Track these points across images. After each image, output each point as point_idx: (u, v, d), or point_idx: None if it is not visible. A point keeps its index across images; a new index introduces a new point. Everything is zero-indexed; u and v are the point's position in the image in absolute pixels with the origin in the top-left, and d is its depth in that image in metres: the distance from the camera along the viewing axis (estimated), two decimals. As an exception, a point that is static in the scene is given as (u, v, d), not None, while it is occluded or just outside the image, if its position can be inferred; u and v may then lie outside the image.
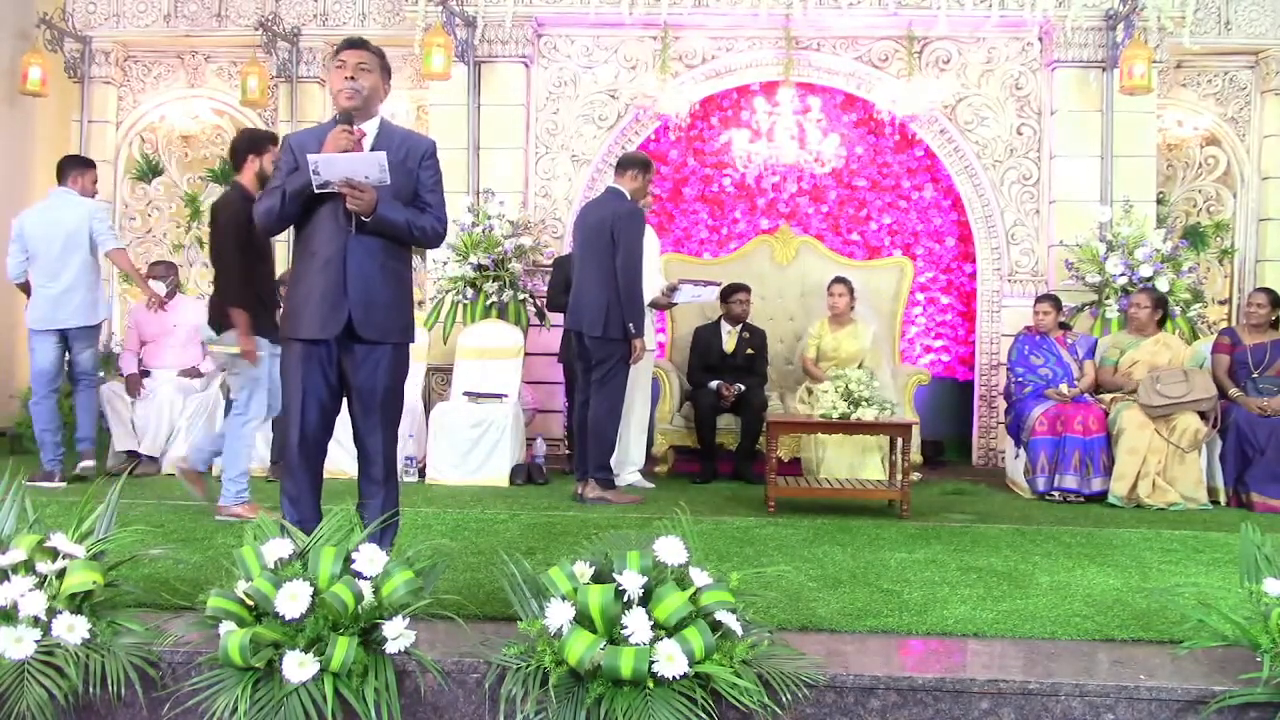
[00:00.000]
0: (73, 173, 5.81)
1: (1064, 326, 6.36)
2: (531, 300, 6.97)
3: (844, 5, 7.15)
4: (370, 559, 2.60)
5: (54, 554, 2.67)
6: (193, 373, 6.49)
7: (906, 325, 7.79)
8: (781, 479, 5.36)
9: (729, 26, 7.32)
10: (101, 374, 6.79)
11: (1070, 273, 6.89)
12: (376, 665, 2.53)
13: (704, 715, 2.39)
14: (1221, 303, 7.74)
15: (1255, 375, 5.91)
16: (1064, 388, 6.00)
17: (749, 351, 6.71)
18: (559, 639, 2.46)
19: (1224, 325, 7.38)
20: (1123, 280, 6.60)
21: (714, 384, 6.49)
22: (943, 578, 3.70)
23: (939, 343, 8.10)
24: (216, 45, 7.92)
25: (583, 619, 2.47)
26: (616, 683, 2.41)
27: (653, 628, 2.44)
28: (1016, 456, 6.16)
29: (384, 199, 3.14)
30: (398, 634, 2.53)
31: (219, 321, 4.68)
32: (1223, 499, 5.73)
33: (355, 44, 3.25)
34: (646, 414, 6.21)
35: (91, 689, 2.55)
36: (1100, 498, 5.69)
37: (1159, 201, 7.44)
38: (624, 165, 5.60)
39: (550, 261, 6.91)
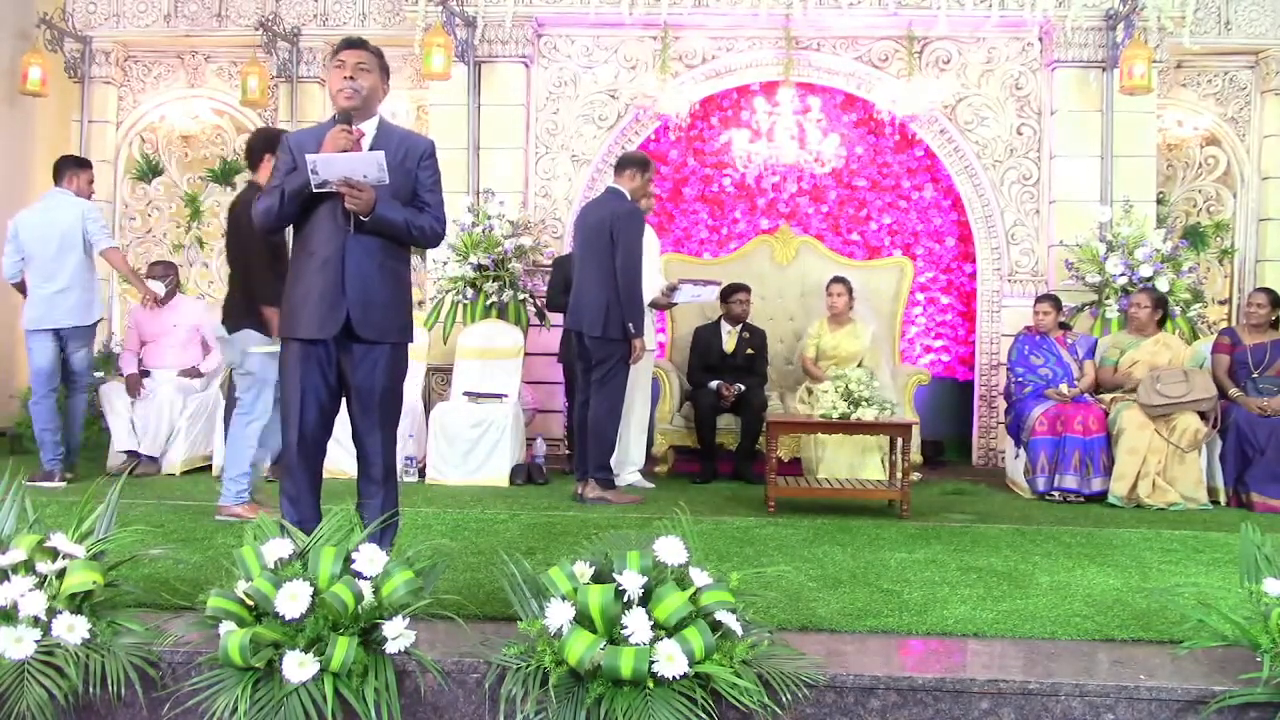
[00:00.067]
0: (68, 173, 5.82)
1: (1064, 326, 6.36)
2: (531, 300, 6.97)
3: (844, 5, 7.15)
4: (370, 559, 2.60)
5: (54, 554, 2.67)
6: (193, 373, 6.50)
7: (906, 325, 7.79)
8: (781, 479, 5.36)
9: (729, 26, 7.32)
10: (101, 374, 6.80)
11: (1070, 273, 6.89)
12: (376, 665, 2.53)
13: (704, 715, 2.39)
14: (1221, 303, 7.74)
15: (1255, 375, 5.91)
16: (1064, 388, 6.00)
17: (749, 351, 6.71)
18: (559, 639, 2.46)
19: (1224, 325, 7.38)
20: (1123, 280, 6.60)
21: (714, 384, 6.49)
22: (943, 578, 3.70)
23: (939, 343, 8.10)
24: (216, 45, 7.92)
25: (583, 619, 2.47)
26: (616, 683, 2.41)
27: (653, 628, 2.44)
28: (1016, 456, 6.16)
29: (383, 199, 3.14)
30: (398, 634, 2.53)
31: (233, 321, 4.67)
32: (1223, 499, 5.73)
33: (354, 44, 3.25)
34: (646, 414, 6.21)
35: (91, 689, 2.55)
36: (1100, 498, 5.69)
37: (1159, 201, 7.44)
38: (623, 165, 5.60)
39: (550, 261, 6.91)
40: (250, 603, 2.56)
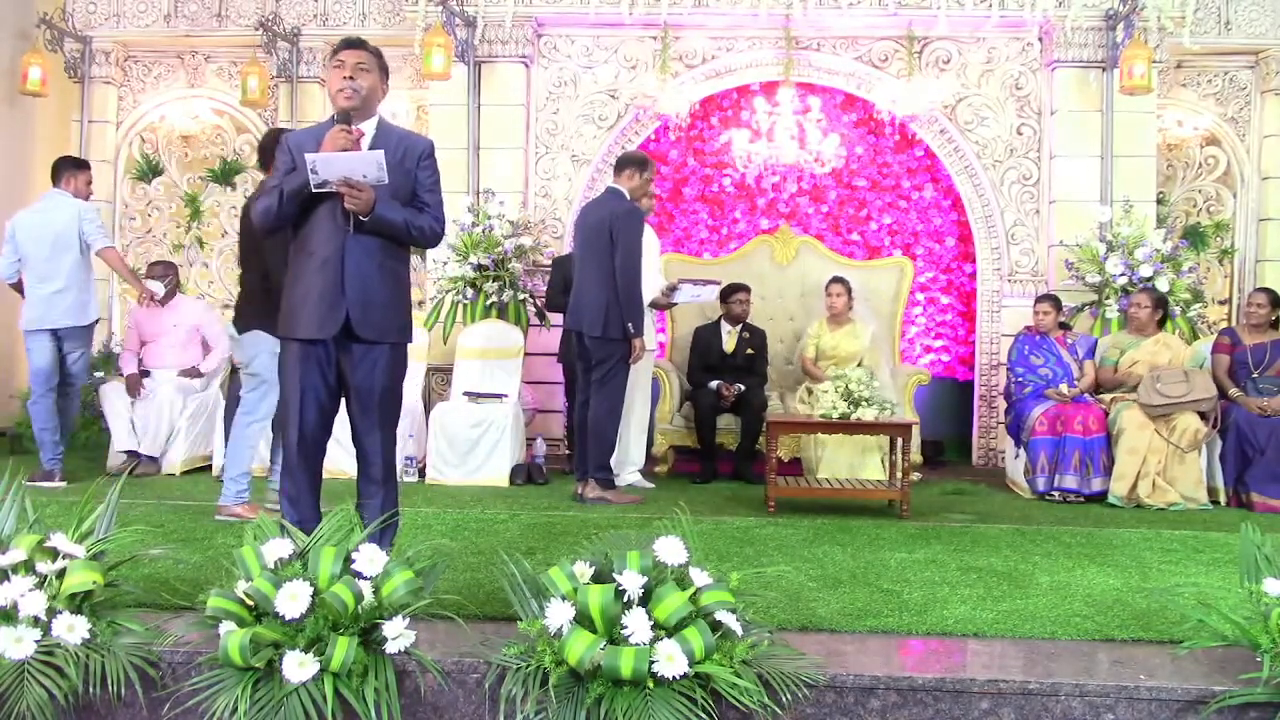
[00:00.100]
0: (66, 174, 5.83)
1: (1064, 326, 6.36)
2: (531, 300, 6.97)
3: (844, 5, 7.15)
4: (370, 559, 2.60)
5: (54, 554, 2.67)
6: (193, 373, 6.49)
7: (906, 325, 7.79)
8: (781, 479, 5.36)
9: (729, 26, 7.32)
10: (101, 374, 6.81)
11: (1070, 273, 6.89)
12: (376, 665, 2.53)
13: (704, 715, 2.39)
14: (1221, 303, 7.74)
15: (1255, 375, 5.91)
16: (1064, 388, 6.00)
17: (749, 351, 6.71)
18: (559, 639, 2.46)
19: (1224, 325, 7.38)
20: (1123, 280, 6.60)
21: (714, 384, 6.49)
22: (943, 578, 3.70)
23: (939, 343, 8.10)
24: (216, 45, 7.92)
25: (583, 619, 2.47)
26: (616, 683, 2.41)
27: (653, 628, 2.44)
28: (1016, 456, 6.16)
29: (382, 199, 3.14)
30: (398, 634, 2.53)
31: (244, 321, 4.67)
32: (1223, 499, 5.73)
33: (353, 44, 3.25)
34: (646, 414, 6.21)
35: (91, 689, 2.55)
36: (1100, 498, 5.69)
37: (1159, 201, 7.44)
38: (622, 164, 5.60)
39: (550, 261, 6.91)
40: (250, 603, 2.56)
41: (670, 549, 2.57)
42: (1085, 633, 3.01)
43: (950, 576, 3.72)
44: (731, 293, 6.72)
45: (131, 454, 6.21)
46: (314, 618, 2.50)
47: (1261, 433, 5.65)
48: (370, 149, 3.16)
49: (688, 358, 6.87)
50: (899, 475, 5.20)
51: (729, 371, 6.61)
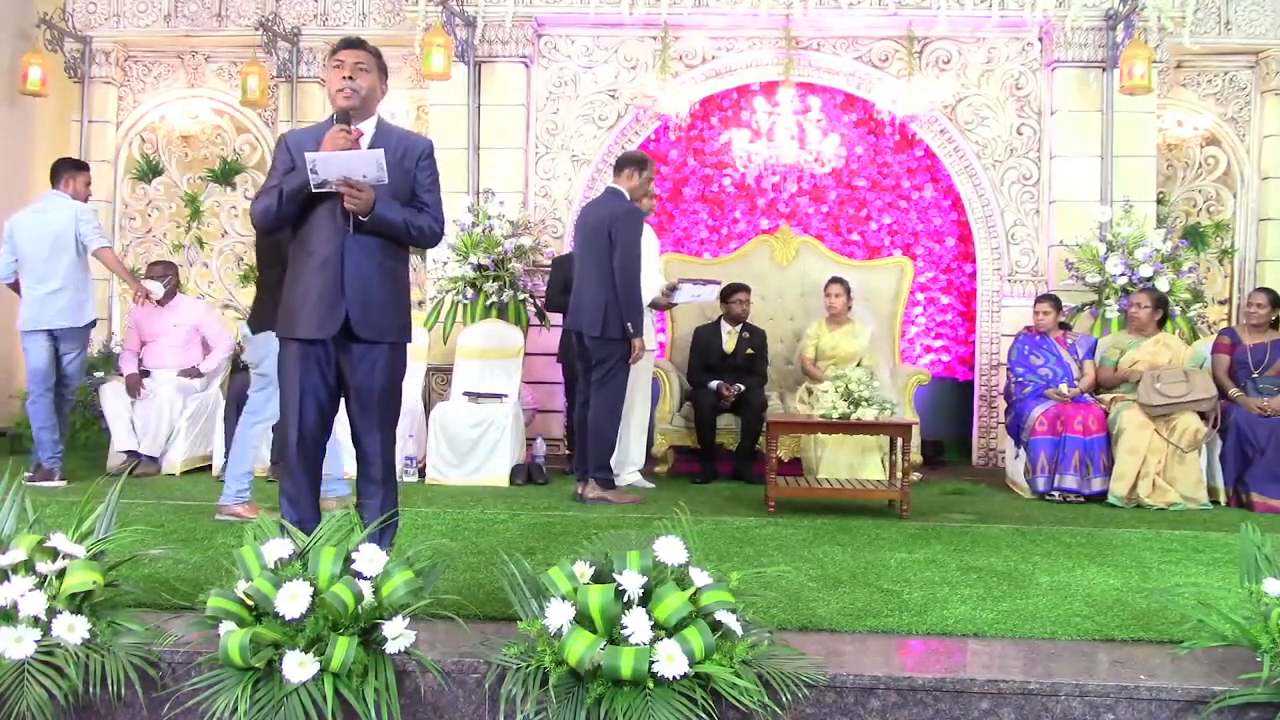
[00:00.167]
0: (65, 175, 5.84)
1: (1064, 326, 6.36)
2: (531, 300, 6.97)
3: (844, 5, 7.15)
4: (370, 559, 2.60)
5: (54, 554, 2.67)
6: (193, 373, 6.49)
7: (906, 325, 7.79)
8: (781, 479, 5.36)
9: (729, 26, 7.32)
10: (101, 374, 6.81)
11: (1070, 273, 6.89)
12: (376, 665, 2.53)
13: (704, 715, 2.39)
14: (1221, 303, 7.74)
15: (1255, 375, 5.91)
16: (1064, 388, 6.00)
17: (749, 351, 6.71)
18: (559, 639, 2.46)
19: (1224, 325, 7.38)
20: (1123, 280, 6.60)
21: (714, 384, 6.49)
22: (943, 578, 3.70)
23: (939, 343, 8.10)
24: (216, 45, 7.92)
25: (583, 619, 2.47)
26: (616, 683, 2.41)
27: (653, 628, 2.44)
28: (1016, 456, 6.16)
29: (382, 198, 3.14)
30: (398, 634, 2.53)
31: (257, 321, 4.67)
32: (1223, 499, 5.73)
33: (353, 44, 3.25)
34: (646, 414, 6.21)
35: (91, 689, 2.55)
36: (1100, 498, 5.69)
37: (1159, 201, 7.44)
38: (621, 164, 5.60)
39: (550, 261, 6.91)
40: (250, 603, 2.56)
41: (670, 549, 2.57)
42: (1085, 633, 3.01)
43: (950, 576, 3.72)
44: (731, 293, 6.72)
45: (131, 454, 6.21)
46: (314, 618, 2.50)
47: (1261, 433, 5.65)
48: (369, 149, 3.16)
49: (688, 358, 6.87)
50: (899, 475, 5.20)
51: (729, 371, 6.61)
